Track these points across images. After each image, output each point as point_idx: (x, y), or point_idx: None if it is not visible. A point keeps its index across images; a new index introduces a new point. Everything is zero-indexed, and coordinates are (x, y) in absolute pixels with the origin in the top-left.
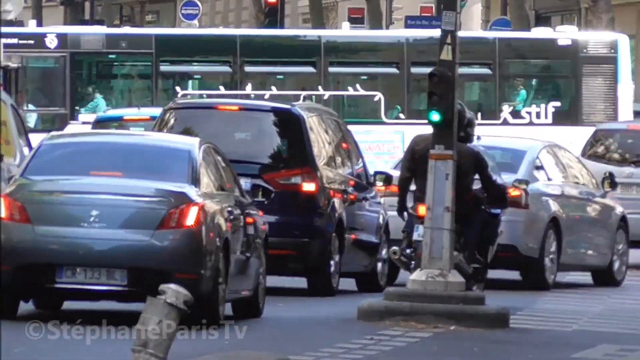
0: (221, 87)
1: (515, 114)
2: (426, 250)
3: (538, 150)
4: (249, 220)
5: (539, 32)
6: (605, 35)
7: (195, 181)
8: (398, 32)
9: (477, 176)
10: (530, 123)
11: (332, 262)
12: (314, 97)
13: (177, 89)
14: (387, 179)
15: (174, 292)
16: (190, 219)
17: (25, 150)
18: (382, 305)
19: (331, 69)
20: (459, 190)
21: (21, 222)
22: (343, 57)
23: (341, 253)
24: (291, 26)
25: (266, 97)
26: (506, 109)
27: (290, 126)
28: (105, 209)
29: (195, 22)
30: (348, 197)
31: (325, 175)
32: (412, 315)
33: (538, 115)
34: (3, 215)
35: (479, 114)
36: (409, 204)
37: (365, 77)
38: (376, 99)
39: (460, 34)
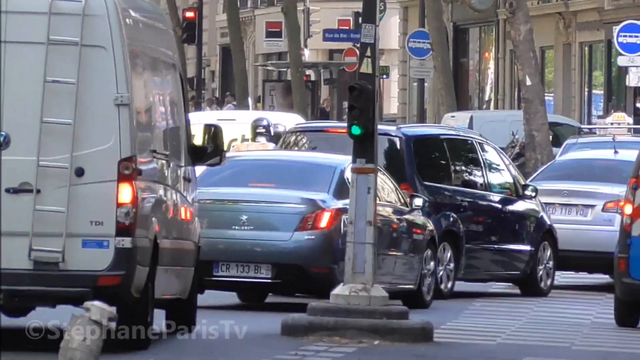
0: None
1: None
2: (349, 265)
3: None
4: (415, 229)
5: None
6: None
7: (337, 192)
8: None
9: None
10: None
11: None
12: None
13: None
14: (535, 190)
15: (98, 309)
16: (324, 222)
17: None
18: (305, 321)
19: None
20: None
21: None
22: None
23: None
24: (209, 40)
25: None
26: None
27: (390, 147)
28: (253, 214)
29: None
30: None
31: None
32: (336, 330)
33: None
34: None
35: None
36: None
37: None
38: None
39: None
